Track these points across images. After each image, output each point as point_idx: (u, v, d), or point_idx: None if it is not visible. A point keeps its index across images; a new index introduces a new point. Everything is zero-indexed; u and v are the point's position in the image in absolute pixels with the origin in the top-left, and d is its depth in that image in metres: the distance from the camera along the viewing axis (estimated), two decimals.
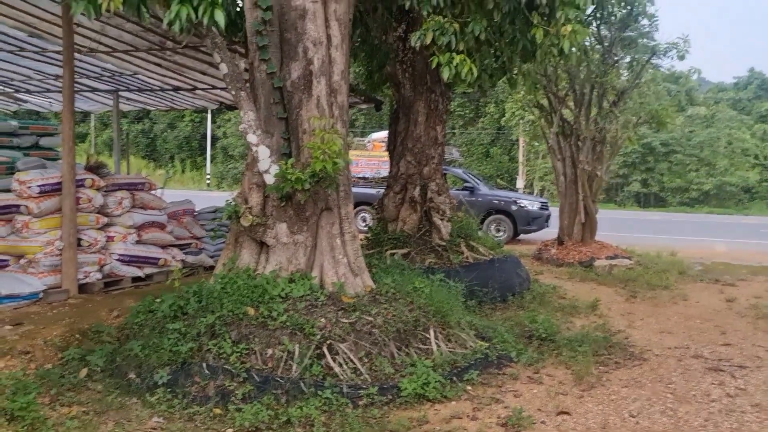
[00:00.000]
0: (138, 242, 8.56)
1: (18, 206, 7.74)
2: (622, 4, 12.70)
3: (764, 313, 8.76)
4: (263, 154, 5.81)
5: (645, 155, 38.92)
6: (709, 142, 38.72)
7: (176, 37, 5.96)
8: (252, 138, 5.79)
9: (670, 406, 5.15)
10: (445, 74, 6.76)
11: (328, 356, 5.30)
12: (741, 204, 38.28)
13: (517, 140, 36.56)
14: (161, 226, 9.04)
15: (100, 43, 8.96)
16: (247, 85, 6.26)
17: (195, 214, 10.55)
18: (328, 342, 5.35)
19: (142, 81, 11.36)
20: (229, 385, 4.92)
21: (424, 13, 7.02)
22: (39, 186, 7.58)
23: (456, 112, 41.79)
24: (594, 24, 12.99)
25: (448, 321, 6.30)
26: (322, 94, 6.29)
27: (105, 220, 8.20)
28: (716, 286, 11.09)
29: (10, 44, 9.38)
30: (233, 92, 5.90)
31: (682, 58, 11.96)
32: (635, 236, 18.41)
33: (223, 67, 5.83)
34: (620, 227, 21.75)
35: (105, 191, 8.30)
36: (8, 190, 7.91)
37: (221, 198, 6.54)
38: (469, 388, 5.40)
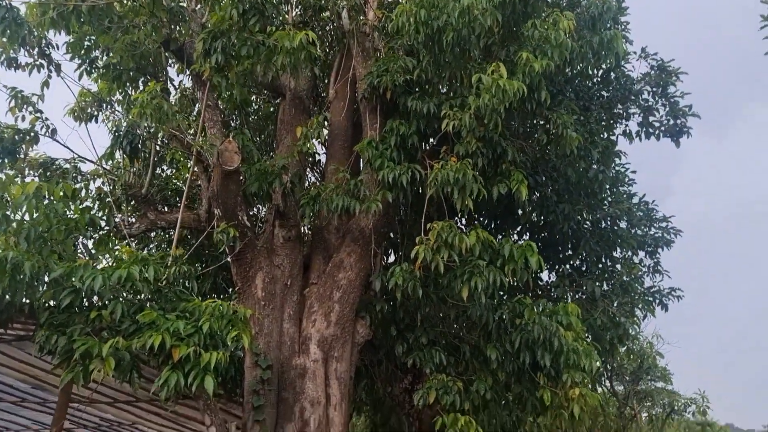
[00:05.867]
0: None
1: None
2: (632, 356, 12.74)
3: None
4: None
5: None
6: None
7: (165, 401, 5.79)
8: None
9: None
10: None
11: None
12: None
13: None
14: None
15: (102, 394, 8.82)
16: None
17: None
18: None
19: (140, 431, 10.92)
20: None
21: (427, 370, 6.95)
22: None
23: None
24: (605, 376, 12.86)
25: None
26: None
27: None
28: None
29: (12, 395, 9.29)
30: None
31: (703, 414, 11.45)
32: None
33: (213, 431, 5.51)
34: None
35: None
36: None
37: None
38: None
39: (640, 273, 9.69)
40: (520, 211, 9.20)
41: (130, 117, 5.87)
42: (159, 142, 7.17)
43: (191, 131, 6.72)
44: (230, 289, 8.75)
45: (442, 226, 5.92)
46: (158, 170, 7.89)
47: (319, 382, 6.27)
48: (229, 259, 6.53)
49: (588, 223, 9.42)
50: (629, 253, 9.75)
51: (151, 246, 9.44)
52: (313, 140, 6.78)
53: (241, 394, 6.87)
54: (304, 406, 6.08)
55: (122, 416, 10.11)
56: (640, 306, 9.65)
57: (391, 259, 8.94)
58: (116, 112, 7.08)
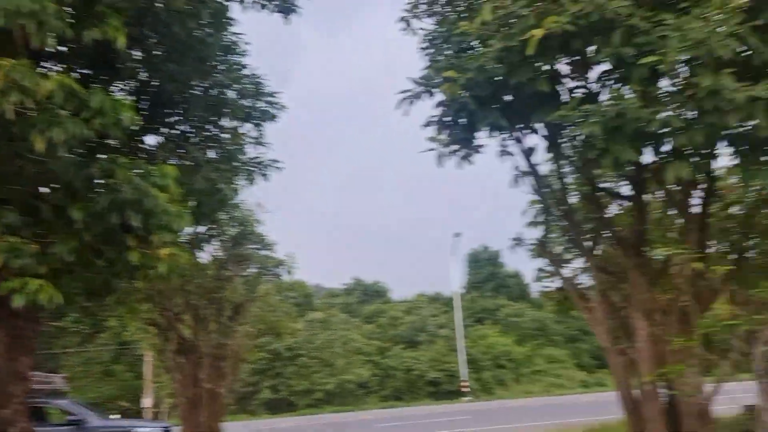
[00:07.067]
0: None
1: None
2: (234, 224, 13.42)
3: None
4: None
5: (272, 361, 40.20)
6: (328, 344, 42.24)
7: None
8: None
9: None
10: (17, 301, 5.79)
11: None
12: (359, 400, 41.65)
13: (143, 355, 34.23)
14: None
15: None
16: None
17: None
18: None
19: None
20: None
21: None
22: None
23: (70, 329, 37.63)
24: (208, 242, 13.34)
25: None
26: None
27: None
28: None
29: None
30: None
31: (290, 272, 12.92)
32: None
33: None
34: None
35: None
36: None
37: None
38: None
39: (244, 143, 10.05)
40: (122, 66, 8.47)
41: None
42: None
43: None
44: None
45: (13, 64, 5.00)
46: None
47: None
48: None
49: (199, 89, 9.25)
50: (236, 122, 9.97)
51: None
52: None
53: None
54: None
55: None
56: (242, 174, 10.10)
57: None
58: None
